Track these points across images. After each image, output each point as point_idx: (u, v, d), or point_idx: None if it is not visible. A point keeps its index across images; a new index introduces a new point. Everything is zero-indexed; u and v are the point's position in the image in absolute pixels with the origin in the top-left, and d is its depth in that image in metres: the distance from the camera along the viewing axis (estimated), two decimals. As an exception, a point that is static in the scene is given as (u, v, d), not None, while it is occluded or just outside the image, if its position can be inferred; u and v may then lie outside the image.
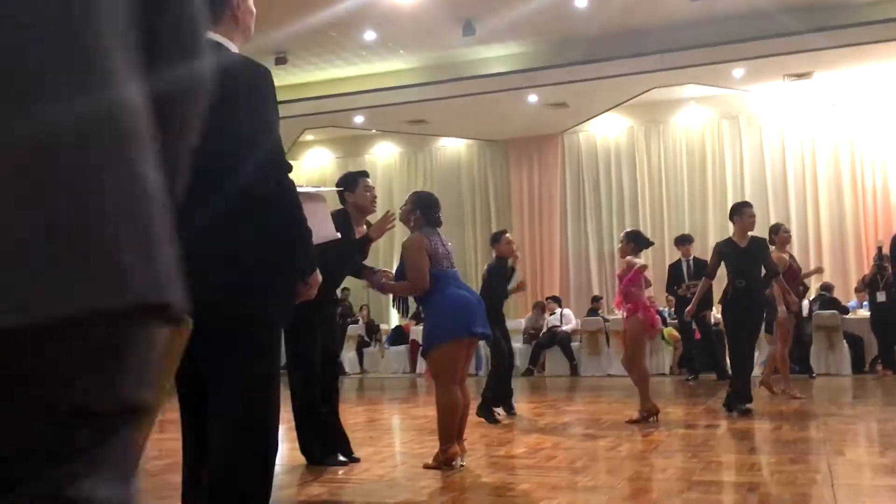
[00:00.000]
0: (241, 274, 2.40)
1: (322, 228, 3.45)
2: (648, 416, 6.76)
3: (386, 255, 15.68)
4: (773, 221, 12.07)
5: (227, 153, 2.39)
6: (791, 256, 8.70)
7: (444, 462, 4.90)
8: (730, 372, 7.74)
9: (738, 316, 7.16)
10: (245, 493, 2.43)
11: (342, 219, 5.00)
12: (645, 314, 6.88)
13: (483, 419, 7.07)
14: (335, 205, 5.19)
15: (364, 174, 5.48)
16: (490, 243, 8.21)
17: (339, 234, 3.69)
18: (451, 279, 4.94)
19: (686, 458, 5.17)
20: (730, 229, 7.60)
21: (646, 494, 4.07)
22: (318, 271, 2.63)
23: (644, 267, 6.91)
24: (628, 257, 6.95)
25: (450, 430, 4.89)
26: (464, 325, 4.84)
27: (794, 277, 8.42)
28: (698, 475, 4.60)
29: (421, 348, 5.61)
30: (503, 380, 7.61)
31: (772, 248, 8.06)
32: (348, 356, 14.45)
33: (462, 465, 4.95)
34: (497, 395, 7.51)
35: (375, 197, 5.34)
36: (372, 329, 14.72)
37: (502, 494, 4.20)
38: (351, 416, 7.92)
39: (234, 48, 2.59)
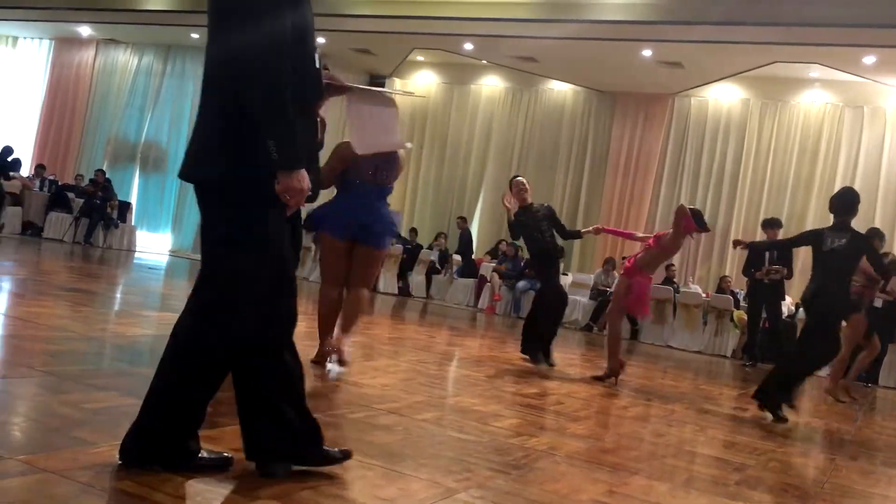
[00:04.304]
0: (203, 141, 2.45)
1: (384, 134, 3.26)
2: (611, 375, 6.63)
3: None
4: (877, 223, 11.42)
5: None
6: None
7: (317, 356, 4.99)
8: None
9: None
10: (195, 350, 2.50)
11: None
12: (639, 288, 6.77)
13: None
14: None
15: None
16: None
17: (408, 145, 3.57)
18: (361, 190, 4.83)
19: (693, 430, 5.04)
20: (830, 220, 6.67)
21: (626, 451, 3.99)
22: (302, 174, 2.43)
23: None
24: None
25: (320, 325, 5.04)
26: (339, 225, 4.88)
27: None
28: (693, 447, 4.48)
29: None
30: (544, 327, 7.47)
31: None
32: (417, 280, 14.61)
33: (330, 370, 4.86)
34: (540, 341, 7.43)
35: None
36: (444, 258, 14.79)
37: (487, 423, 4.18)
38: (381, 329, 8.18)
39: None
